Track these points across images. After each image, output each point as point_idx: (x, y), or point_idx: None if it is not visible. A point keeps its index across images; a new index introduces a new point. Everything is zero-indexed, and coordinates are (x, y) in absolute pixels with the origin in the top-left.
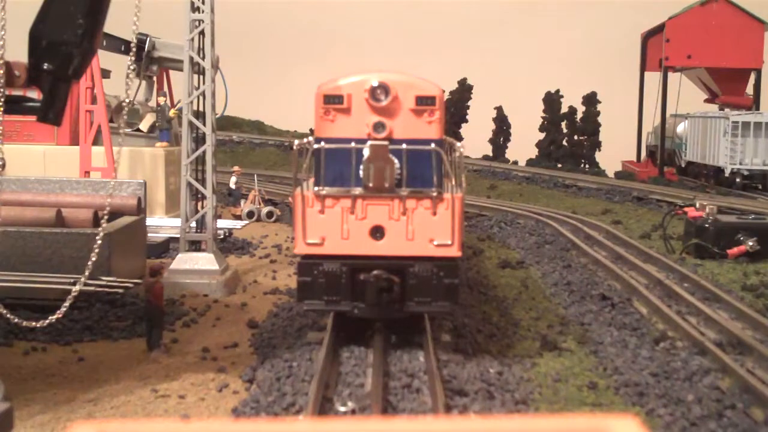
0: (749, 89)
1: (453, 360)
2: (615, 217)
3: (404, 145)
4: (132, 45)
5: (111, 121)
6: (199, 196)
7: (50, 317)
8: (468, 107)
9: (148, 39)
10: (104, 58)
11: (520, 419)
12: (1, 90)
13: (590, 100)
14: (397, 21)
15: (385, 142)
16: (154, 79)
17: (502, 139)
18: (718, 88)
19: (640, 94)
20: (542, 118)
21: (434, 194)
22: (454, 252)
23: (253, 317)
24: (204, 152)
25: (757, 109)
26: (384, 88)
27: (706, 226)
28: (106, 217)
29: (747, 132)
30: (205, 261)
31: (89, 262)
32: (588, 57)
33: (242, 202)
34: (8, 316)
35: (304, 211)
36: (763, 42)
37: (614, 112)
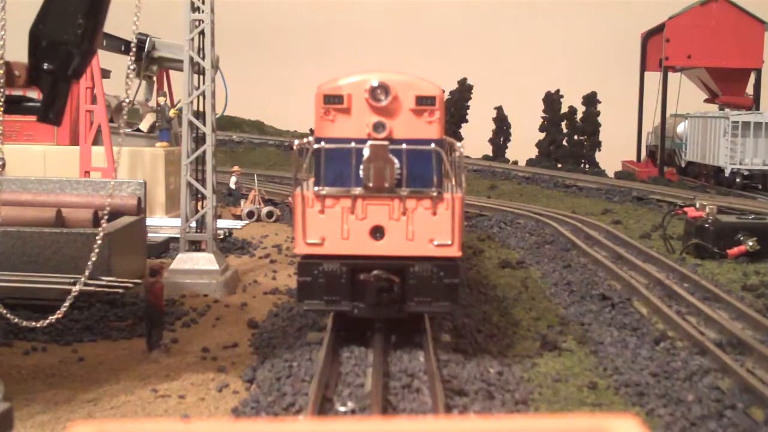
0: (749, 89)
1: (453, 360)
2: (615, 217)
3: (404, 145)
4: (132, 45)
5: (111, 121)
6: (199, 196)
7: (50, 317)
8: (468, 107)
9: (148, 39)
10: (104, 58)
11: (520, 419)
12: (1, 90)
13: (590, 100)
14: (397, 21)
15: (385, 142)
16: (154, 79)
17: (502, 139)
18: (718, 88)
19: (640, 94)
20: (542, 118)
21: (434, 194)
22: (454, 252)
23: (253, 317)
24: (204, 152)
25: (757, 109)
26: (384, 88)
27: (706, 226)
28: (106, 217)
29: (747, 132)
30: (205, 261)
31: (89, 262)
32: (588, 57)
33: (242, 202)
34: (8, 316)
35: (304, 211)
36: (763, 42)
37: (614, 112)
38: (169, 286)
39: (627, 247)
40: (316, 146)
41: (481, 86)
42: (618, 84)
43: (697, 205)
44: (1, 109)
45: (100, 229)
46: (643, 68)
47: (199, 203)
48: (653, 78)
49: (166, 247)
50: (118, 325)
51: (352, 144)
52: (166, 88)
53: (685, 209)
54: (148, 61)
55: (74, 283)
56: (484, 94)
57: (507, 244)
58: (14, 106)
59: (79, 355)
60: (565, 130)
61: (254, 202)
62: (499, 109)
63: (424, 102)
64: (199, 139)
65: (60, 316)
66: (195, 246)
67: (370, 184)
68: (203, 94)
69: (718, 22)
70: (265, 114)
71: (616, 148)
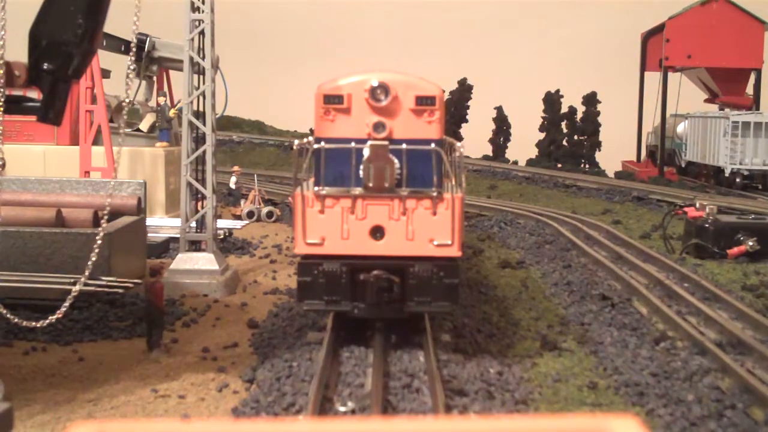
0: (749, 89)
1: (453, 360)
2: (615, 217)
3: (404, 145)
4: (132, 45)
5: (111, 121)
6: (199, 196)
7: (50, 317)
8: (468, 107)
9: (148, 39)
10: (104, 58)
11: (520, 419)
12: (1, 90)
13: (590, 100)
14: (397, 21)
15: (385, 142)
16: (154, 79)
17: (502, 139)
18: (718, 88)
19: (640, 94)
20: (542, 118)
21: (434, 194)
22: (454, 252)
23: (253, 317)
24: (204, 152)
25: (757, 109)
26: (384, 88)
27: (706, 226)
28: (106, 217)
29: (747, 132)
30: (205, 261)
31: (89, 262)
32: (588, 57)
33: (242, 202)
34: (8, 316)
35: (304, 211)
36: (763, 42)
37: (614, 112)
38: (169, 286)
39: (627, 247)
40: (316, 146)
41: (481, 86)
42: (618, 84)
43: (697, 205)
44: (1, 109)
45: (100, 229)
46: (643, 68)
47: (199, 203)
48: (653, 78)
49: (166, 247)
50: (118, 325)
51: (352, 144)
52: (166, 88)
53: (685, 209)
54: (148, 61)
55: (74, 283)
56: (484, 94)
57: (507, 244)
58: (14, 106)
59: (79, 355)
60: (565, 130)
61: (254, 202)
62: (499, 109)
63: (424, 102)
64: (199, 139)
65: (60, 316)
66: (195, 246)
67: (370, 184)
68: (203, 94)
69: (718, 22)
70: (265, 114)
71: (616, 148)
